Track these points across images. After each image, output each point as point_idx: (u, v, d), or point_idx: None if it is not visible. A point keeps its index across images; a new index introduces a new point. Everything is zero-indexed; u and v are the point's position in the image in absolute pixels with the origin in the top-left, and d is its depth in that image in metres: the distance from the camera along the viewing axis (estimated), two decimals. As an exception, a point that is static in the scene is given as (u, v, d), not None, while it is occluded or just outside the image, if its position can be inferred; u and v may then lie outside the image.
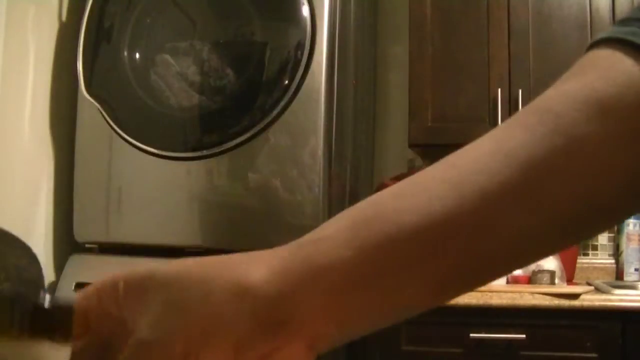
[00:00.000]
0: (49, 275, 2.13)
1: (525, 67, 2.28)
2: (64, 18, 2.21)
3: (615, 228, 2.53)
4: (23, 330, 0.69)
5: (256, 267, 0.42)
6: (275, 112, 1.94)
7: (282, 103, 1.93)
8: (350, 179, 2.22)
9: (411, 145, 2.38)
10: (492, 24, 2.31)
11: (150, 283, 0.42)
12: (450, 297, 0.45)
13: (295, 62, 1.93)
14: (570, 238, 0.45)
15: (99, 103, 2.05)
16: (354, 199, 2.25)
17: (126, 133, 2.04)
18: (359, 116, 2.35)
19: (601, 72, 0.44)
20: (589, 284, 2.24)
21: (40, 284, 0.85)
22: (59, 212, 2.17)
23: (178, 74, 2.01)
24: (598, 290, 2.04)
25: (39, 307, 0.65)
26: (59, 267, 2.08)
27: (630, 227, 2.43)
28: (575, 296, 1.91)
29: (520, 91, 2.24)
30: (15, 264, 0.83)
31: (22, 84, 2.06)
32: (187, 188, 2.00)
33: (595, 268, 2.53)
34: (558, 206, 0.42)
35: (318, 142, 1.93)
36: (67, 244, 2.14)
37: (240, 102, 1.97)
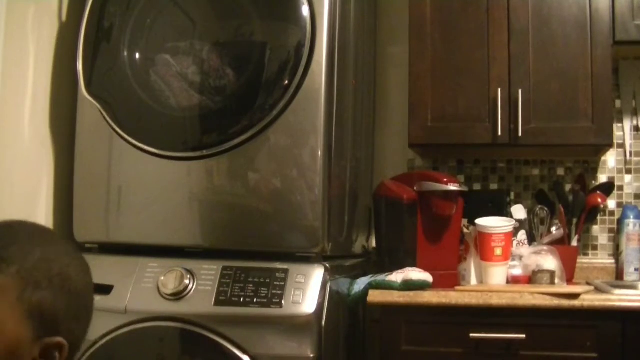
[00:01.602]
0: (49, 275, 2.12)
1: (525, 67, 2.28)
2: (64, 18, 2.21)
3: (616, 228, 2.53)
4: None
5: None
6: (275, 112, 1.94)
7: (282, 103, 1.93)
8: (350, 179, 2.22)
9: (411, 145, 2.38)
10: (492, 24, 2.31)
11: None
12: None
13: (295, 62, 1.93)
14: None
15: (99, 103, 2.05)
16: (354, 199, 2.26)
17: (126, 133, 2.04)
18: (359, 116, 2.35)
19: None
20: (589, 284, 2.24)
21: (83, 297, 0.95)
22: (59, 212, 2.17)
23: (178, 74, 2.01)
24: (598, 290, 2.04)
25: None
26: (59, 267, 2.08)
27: (630, 227, 2.43)
28: (575, 296, 1.91)
29: (520, 91, 2.24)
30: (61, 272, 0.91)
31: (22, 84, 2.06)
32: (187, 188, 2.00)
33: (595, 268, 2.53)
34: None
35: (318, 142, 1.93)
36: (67, 244, 2.13)
37: (240, 102, 1.97)
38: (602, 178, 2.56)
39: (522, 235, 2.34)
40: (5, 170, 1.99)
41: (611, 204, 2.55)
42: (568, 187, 2.53)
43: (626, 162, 2.56)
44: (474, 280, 2.21)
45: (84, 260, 1.00)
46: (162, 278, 1.89)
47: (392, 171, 2.47)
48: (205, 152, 1.99)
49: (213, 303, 1.85)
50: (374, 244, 2.40)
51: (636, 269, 2.41)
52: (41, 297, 0.90)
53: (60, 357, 0.92)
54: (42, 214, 2.13)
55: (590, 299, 1.91)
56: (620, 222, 2.48)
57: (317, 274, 1.87)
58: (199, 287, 1.88)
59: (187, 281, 1.88)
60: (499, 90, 2.26)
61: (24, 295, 0.89)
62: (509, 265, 2.18)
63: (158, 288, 1.89)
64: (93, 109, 2.06)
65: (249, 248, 1.95)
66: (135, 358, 1.91)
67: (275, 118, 1.94)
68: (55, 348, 0.91)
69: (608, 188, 2.47)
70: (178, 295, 1.87)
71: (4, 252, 0.90)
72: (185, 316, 1.87)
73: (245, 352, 1.83)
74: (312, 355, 1.82)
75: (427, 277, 2.01)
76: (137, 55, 2.06)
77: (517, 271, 2.19)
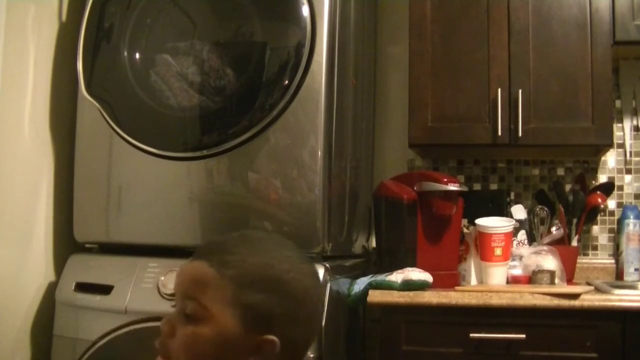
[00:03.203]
0: (48, 275, 2.13)
1: (525, 67, 2.28)
2: (64, 18, 2.21)
3: (616, 228, 2.53)
4: None
5: None
6: (275, 112, 1.94)
7: (282, 103, 1.93)
8: (350, 179, 2.22)
9: (411, 145, 2.38)
10: (492, 24, 2.31)
11: None
12: None
13: (295, 62, 1.93)
14: None
15: (99, 103, 2.05)
16: (354, 199, 2.26)
17: (126, 133, 2.04)
18: (359, 116, 2.35)
19: None
20: (589, 284, 2.24)
21: (300, 301, 1.06)
22: (59, 212, 2.17)
23: (178, 74, 2.01)
24: (598, 290, 2.04)
25: None
26: (59, 267, 2.08)
27: (630, 227, 2.43)
28: (575, 296, 1.91)
29: (520, 91, 2.24)
30: (277, 277, 1.04)
31: (22, 84, 2.06)
32: (187, 188, 2.00)
33: (595, 268, 2.53)
34: None
35: (318, 142, 1.93)
36: (67, 244, 2.14)
37: (240, 102, 1.97)
38: (602, 178, 2.56)
39: (522, 235, 2.35)
40: (5, 170, 1.99)
41: (611, 204, 2.55)
42: (568, 187, 2.52)
43: (626, 162, 2.57)
44: (474, 280, 2.21)
45: (309, 269, 1.09)
46: (162, 278, 1.89)
47: (392, 171, 2.46)
48: (205, 152, 1.99)
49: (213, 303, 1.85)
50: (374, 244, 2.41)
51: (636, 269, 2.41)
52: (255, 299, 1.01)
53: (272, 354, 1.01)
54: (42, 214, 2.13)
55: (590, 299, 1.91)
56: (620, 222, 2.48)
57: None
58: (199, 287, 1.88)
59: (187, 281, 1.88)
60: (499, 90, 2.26)
61: (239, 297, 1.00)
62: (509, 265, 2.18)
63: (158, 288, 1.89)
64: (93, 109, 2.06)
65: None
66: (135, 358, 1.91)
67: (275, 118, 1.94)
68: (268, 345, 1.01)
69: (608, 188, 2.47)
70: (178, 295, 1.87)
71: (227, 257, 1.03)
72: (185, 316, 1.86)
73: (245, 352, 1.83)
74: (312, 355, 1.82)
75: (427, 277, 2.01)
76: (137, 55, 2.06)
77: (517, 271, 2.19)
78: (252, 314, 1.01)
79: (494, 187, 2.61)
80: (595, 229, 2.56)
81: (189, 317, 1.01)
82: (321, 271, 1.88)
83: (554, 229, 2.40)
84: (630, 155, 2.56)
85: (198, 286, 1.02)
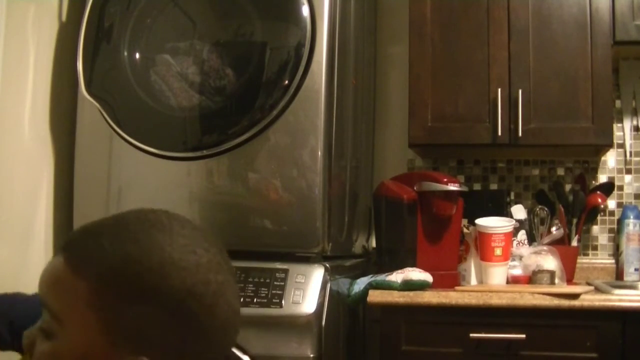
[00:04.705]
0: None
1: (525, 67, 2.28)
2: (64, 18, 2.21)
3: (616, 228, 2.53)
4: None
5: None
6: (275, 112, 1.94)
7: (282, 103, 1.93)
8: (350, 179, 2.22)
9: (411, 145, 2.38)
10: (492, 24, 2.31)
11: None
12: None
13: (295, 62, 1.93)
14: None
15: (99, 103, 2.05)
16: (354, 199, 2.26)
17: (126, 133, 2.04)
18: (359, 116, 2.35)
19: None
20: (589, 284, 2.24)
21: (184, 312, 0.80)
22: (59, 212, 2.17)
23: (178, 74, 2.01)
24: (598, 290, 2.04)
25: None
26: (59, 267, 2.08)
27: (630, 227, 2.43)
28: (575, 296, 1.91)
29: (520, 91, 2.24)
30: (152, 279, 0.78)
31: (22, 84, 2.06)
32: (187, 188, 2.00)
33: (595, 268, 2.52)
34: None
35: (318, 142, 1.93)
36: (67, 244, 2.13)
37: (240, 102, 1.97)
38: (602, 178, 2.56)
39: (522, 235, 2.34)
40: (5, 170, 1.99)
41: (611, 204, 2.54)
42: (568, 187, 2.52)
43: (626, 162, 2.56)
44: (474, 280, 2.21)
45: (214, 262, 0.83)
46: (162, 278, 1.89)
47: (392, 171, 2.46)
48: (205, 152, 1.99)
49: (213, 303, 1.85)
50: (374, 244, 2.40)
51: (636, 269, 2.41)
52: (118, 307, 0.76)
53: None
54: (42, 214, 2.13)
55: (590, 299, 1.91)
56: (620, 222, 2.48)
57: (317, 274, 1.87)
58: (199, 287, 1.88)
59: (187, 281, 1.88)
60: (499, 90, 2.26)
61: (97, 304, 0.76)
62: (509, 265, 2.18)
63: (158, 288, 1.89)
64: (93, 109, 2.06)
65: (249, 248, 1.95)
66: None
67: (275, 118, 1.94)
68: None
69: (608, 188, 2.47)
70: (178, 295, 1.87)
71: (86, 250, 0.80)
72: (185, 316, 1.86)
73: (245, 352, 1.82)
74: (312, 355, 1.82)
75: (427, 277, 2.01)
76: (137, 55, 2.06)
77: (517, 271, 2.19)
78: (117, 326, 0.76)
79: (494, 187, 2.61)
80: (595, 229, 2.56)
81: (44, 331, 0.79)
82: (321, 271, 1.88)
83: (554, 229, 2.40)
84: (630, 155, 2.56)
85: (52, 291, 0.79)
